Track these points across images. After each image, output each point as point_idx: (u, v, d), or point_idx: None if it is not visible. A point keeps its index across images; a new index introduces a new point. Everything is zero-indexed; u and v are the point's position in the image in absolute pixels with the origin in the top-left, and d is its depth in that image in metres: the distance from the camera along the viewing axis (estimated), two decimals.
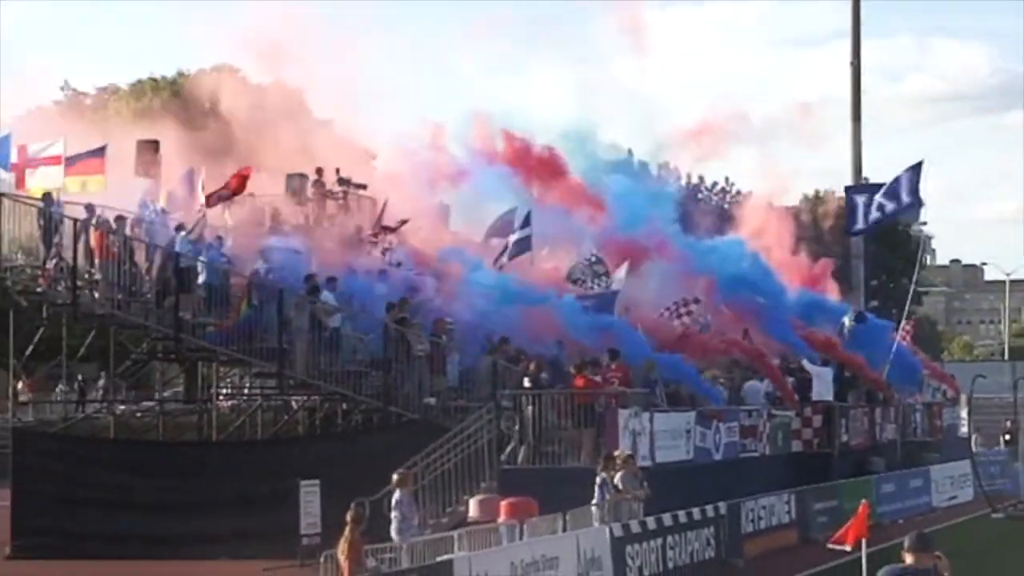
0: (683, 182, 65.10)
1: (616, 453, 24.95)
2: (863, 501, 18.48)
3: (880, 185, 42.76)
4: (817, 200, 74.25)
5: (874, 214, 42.33)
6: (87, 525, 28.10)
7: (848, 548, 17.46)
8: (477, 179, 35.93)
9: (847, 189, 45.97)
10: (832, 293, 43.24)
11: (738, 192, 69.34)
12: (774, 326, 37.12)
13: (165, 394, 31.89)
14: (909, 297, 48.09)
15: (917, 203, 42.61)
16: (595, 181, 37.19)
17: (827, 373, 36.87)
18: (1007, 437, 46.03)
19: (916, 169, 41.16)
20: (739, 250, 38.92)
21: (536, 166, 36.71)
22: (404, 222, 33.52)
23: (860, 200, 42.83)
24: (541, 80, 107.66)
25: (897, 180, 41.31)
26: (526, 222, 33.33)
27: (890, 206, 42.11)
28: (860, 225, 43.21)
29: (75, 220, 29.77)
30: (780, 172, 41.49)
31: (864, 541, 17.14)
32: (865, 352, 39.62)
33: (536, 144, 37.02)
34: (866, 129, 52.58)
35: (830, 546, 17.93)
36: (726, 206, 51.00)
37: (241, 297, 30.05)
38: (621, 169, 39.42)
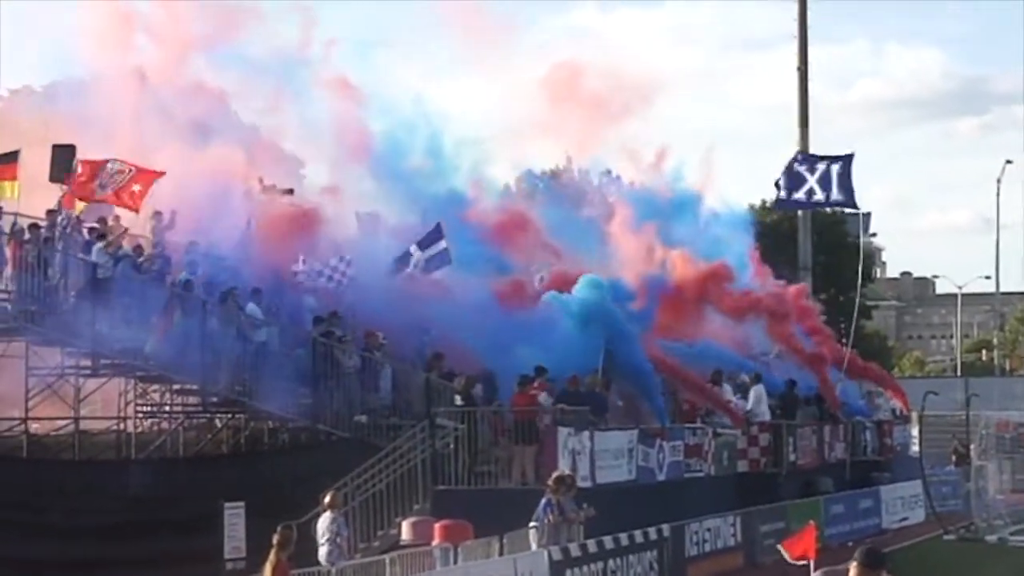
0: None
1: (565, 474, 23.99)
2: (810, 522, 17.86)
3: (816, 158, 41.81)
4: (764, 211, 73.58)
5: (800, 195, 41.45)
6: None
7: (787, 557, 16.96)
8: None
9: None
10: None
11: None
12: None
13: (81, 412, 30.79)
14: (855, 313, 47.44)
15: (850, 201, 41.69)
16: None
17: (762, 389, 36.12)
18: (954, 457, 45.47)
19: (847, 162, 40.28)
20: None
21: None
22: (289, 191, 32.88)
23: (795, 169, 41.93)
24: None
25: (828, 171, 40.44)
26: (437, 234, 32.20)
27: (819, 195, 41.24)
28: (783, 196, 42.35)
29: None
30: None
31: (812, 563, 16.38)
32: None
33: None
34: (814, 136, 51.95)
35: (778, 547, 17.33)
36: None
37: (169, 309, 28.98)
38: None
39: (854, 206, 42.82)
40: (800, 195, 41.17)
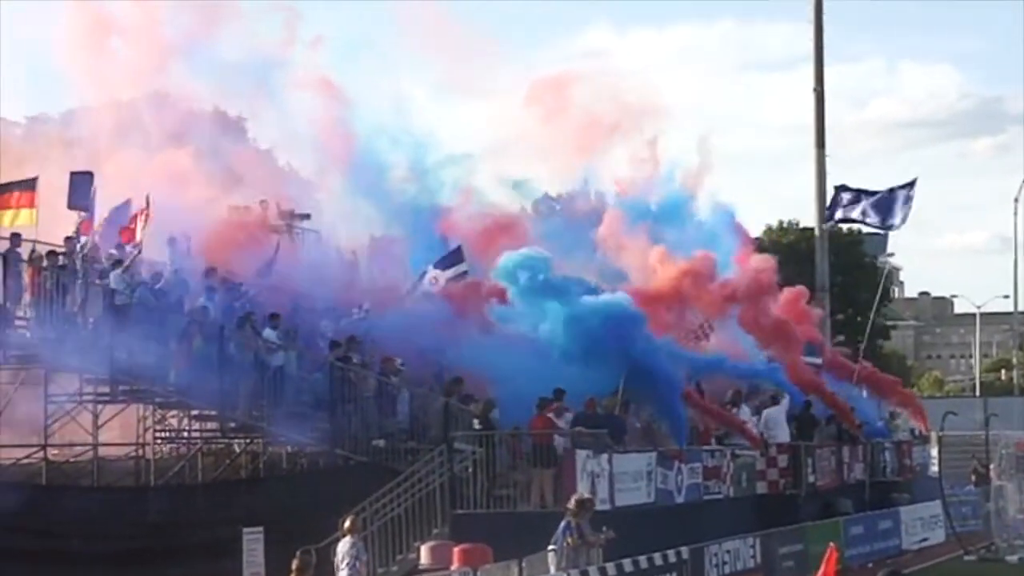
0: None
1: (586, 497, 23.89)
2: (830, 544, 17.76)
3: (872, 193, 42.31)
4: (781, 231, 73.52)
5: (854, 213, 41.93)
6: None
7: None
8: None
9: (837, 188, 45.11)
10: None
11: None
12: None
13: (100, 438, 30.79)
14: (868, 330, 47.38)
15: (901, 221, 42.19)
16: None
17: (779, 411, 35.89)
18: (974, 477, 45.16)
19: (910, 187, 40.76)
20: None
21: None
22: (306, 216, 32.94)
23: (846, 197, 42.43)
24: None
25: (893, 194, 40.84)
26: (458, 257, 32.13)
27: (874, 217, 41.69)
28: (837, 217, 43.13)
29: (3, 255, 28.70)
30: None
31: None
32: None
33: None
34: (831, 157, 51.64)
35: None
36: None
37: (187, 335, 29.03)
38: None
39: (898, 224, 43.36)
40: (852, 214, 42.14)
